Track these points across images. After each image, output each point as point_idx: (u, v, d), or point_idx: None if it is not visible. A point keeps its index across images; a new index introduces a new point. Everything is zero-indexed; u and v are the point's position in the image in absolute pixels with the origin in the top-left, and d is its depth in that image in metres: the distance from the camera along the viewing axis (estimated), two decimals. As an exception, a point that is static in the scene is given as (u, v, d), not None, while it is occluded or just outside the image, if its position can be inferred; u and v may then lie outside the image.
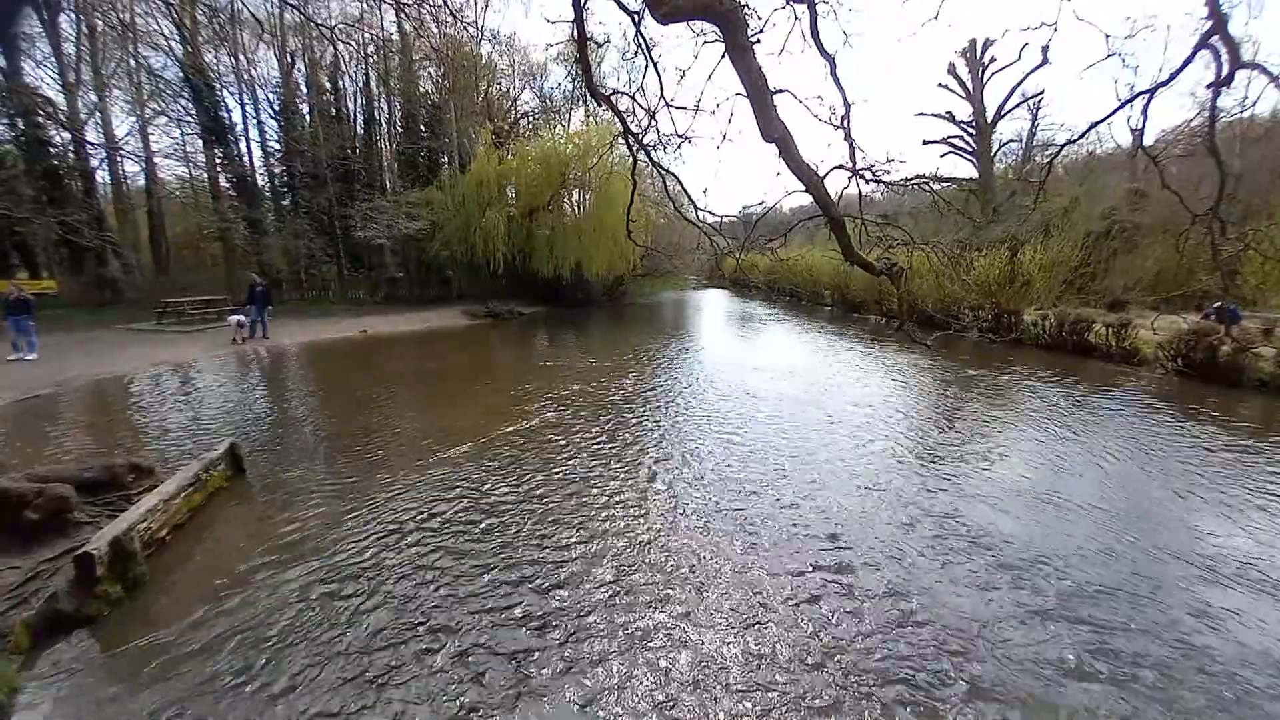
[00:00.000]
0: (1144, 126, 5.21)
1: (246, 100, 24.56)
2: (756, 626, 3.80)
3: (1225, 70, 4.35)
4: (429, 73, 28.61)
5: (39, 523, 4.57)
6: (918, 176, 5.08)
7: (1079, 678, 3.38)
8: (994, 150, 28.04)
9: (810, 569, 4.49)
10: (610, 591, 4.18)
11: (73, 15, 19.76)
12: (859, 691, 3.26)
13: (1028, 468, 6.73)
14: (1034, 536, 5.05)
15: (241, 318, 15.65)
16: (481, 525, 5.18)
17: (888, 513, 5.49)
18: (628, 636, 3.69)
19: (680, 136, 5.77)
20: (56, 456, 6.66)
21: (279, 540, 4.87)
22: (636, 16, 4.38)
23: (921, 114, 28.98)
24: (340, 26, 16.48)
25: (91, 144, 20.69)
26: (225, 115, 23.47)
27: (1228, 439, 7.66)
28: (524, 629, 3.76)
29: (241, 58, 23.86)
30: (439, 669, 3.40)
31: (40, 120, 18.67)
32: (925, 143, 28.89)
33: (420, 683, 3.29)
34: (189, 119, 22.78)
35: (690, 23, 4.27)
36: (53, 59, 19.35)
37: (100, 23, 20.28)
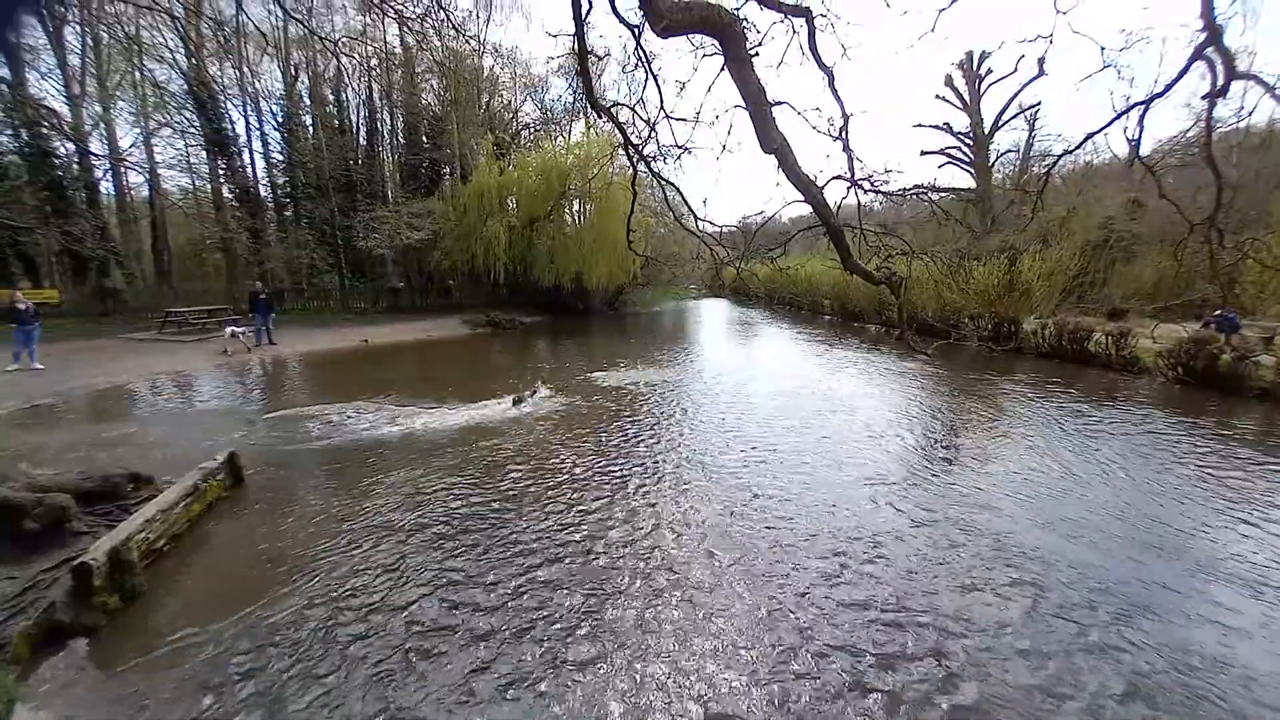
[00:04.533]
0: (1140, 137, 5.21)
1: (250, 112, 24.89)
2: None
3: (1221, 81, 4.39)
4: (431, 85, 28.90)
5: (38, 532, 4.56)
6: (916, 187, 5.11)
7: (1084, 678, 3.36)
8: (992, 161, 28.22)
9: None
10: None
11: (78, 28, 19.99)
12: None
13: (1030, 476, 6.70)
14: (1036, 541, 5.03)
15: (236, 329, 15.68)
16: (480, 536, 5.17)
17: (887, 512, 5.48)
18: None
19: (680, 147, 5.83)
20: (56, 465, 6.64)
21: (278, 551, 4.85)
22: (636, 30, 4.43)
23: (919, 125, 29.29)
24: (343, 40, 16.71)
25: (96, 155, 20.87)
26: (229, 127, 23.75)
27: (1229, 448, 7.64)
28: (523, 641, 3.74)
29: (245, 70, 24.12)
30: (441, 683, 3.38)
31: (45, 131, 18.82)
32: (923, 153, 29.08)
33: (419, 698, 3.27)
34: (193, 130, 23.02)
35: (689, 36, 4.32)
36: (58, 71, 19.60)
37: (105, 35, 20.50)
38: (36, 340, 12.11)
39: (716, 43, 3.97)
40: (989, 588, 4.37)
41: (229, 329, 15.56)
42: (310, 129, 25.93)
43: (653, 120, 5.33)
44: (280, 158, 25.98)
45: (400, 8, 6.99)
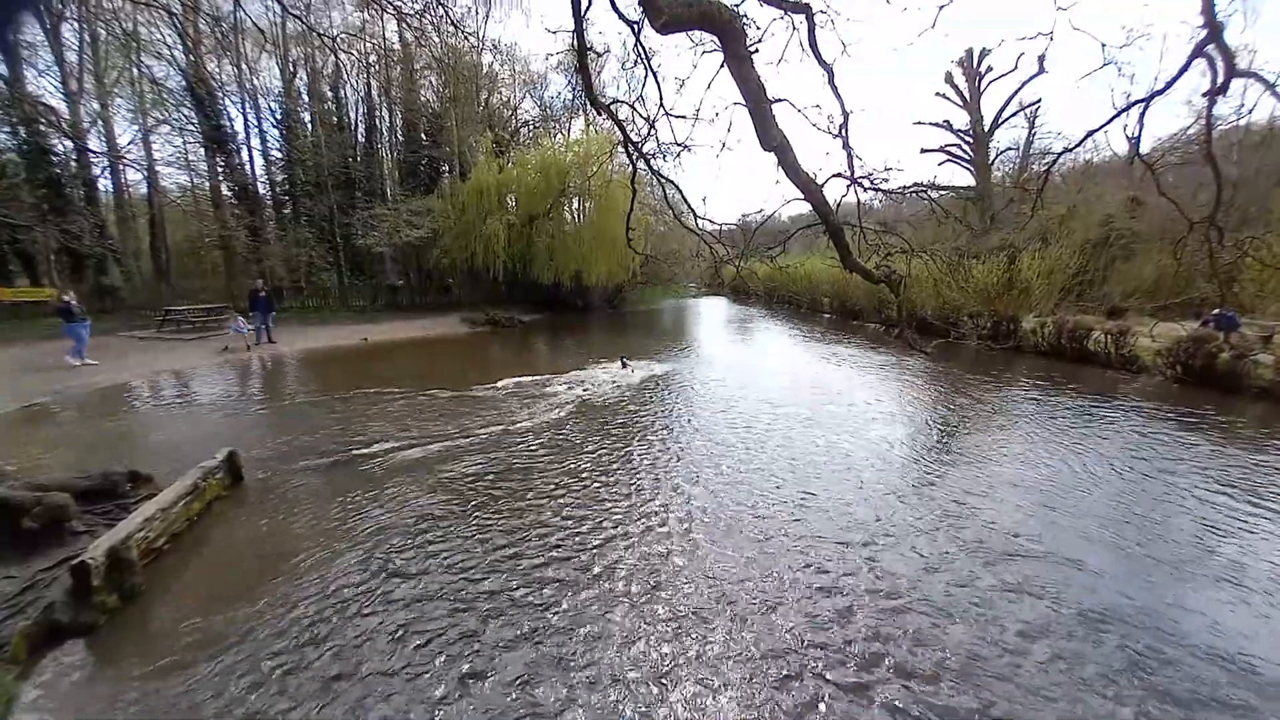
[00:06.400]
0: (1140, 135, 5.17)
1: (248, 109, 24.77)
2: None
3: (1221, 78, 4.37)
4: (430, 82, 28.81)
5: (37, 532, 4.56)
6: (916, 184, 5.09)
7: (1080, 680, 3.37)
8: (991, 158, 28.18)
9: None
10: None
11: (75, 24, 19.88)
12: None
13: (1028, 475, 6.71)
14: (1034, 540, 5.04)
15: (243, 326, 15.85)
16: (475, 539, 5.17)
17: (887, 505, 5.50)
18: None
19: (679, 145, 5.81)
20: (56, 465, 6.64)
21: (276, 549, 4.85)
22: (636, 27, 4.41)
23: (919, 122, 29.27)
24: (342, 36, 16.59)
25: (94, 152, 20.78)
26: (227, 124, 23.66)
27: (1228, 446, 7.65)
28: (513, 650, 3.74)
29: (244, 67, 24.03)
30: (437, 687, 3.38)
31: (42, 128, 18.73)
32: (923, 151, 28.98)
33: (419, 698, 3.27)
34: (191, 127, 22.91)
35: (689, 33, 4.30)
36: (55, 68, 19.47)
37: (103, 32, 20.39)
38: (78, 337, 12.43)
39: (716, 39, 3.95)
40: (960, 564, 4.44)
41: (233, 325, 15.82)
42: (309, 126, 25.83)
43: (652, 117, 5.31)
44: (279, 155, 25.89)
45: (399, 4, 6.96)
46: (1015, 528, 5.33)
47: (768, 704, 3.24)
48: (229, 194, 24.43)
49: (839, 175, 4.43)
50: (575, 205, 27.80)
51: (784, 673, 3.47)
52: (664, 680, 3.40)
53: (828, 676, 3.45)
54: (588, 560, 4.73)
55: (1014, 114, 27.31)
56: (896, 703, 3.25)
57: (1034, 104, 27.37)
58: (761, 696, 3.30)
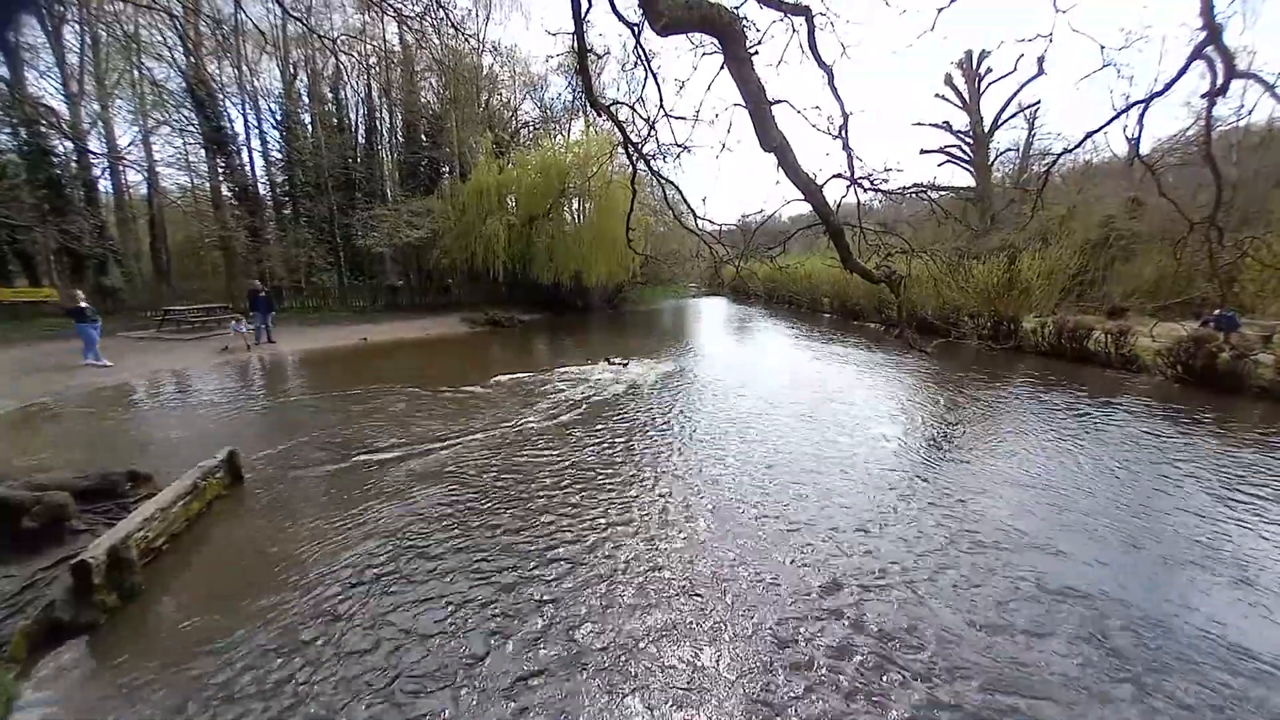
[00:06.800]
0: (1140, 136, 5.21)
1: (249, 110, 24.77)
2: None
3: (1220, 80, 4.39)
4: (430, 83, 28.84)
5: (37, 531, 4.56)
6: (915, 185, 5.12)
7: (1086, 680, 3.37)
8: (991, 159, 28.23)
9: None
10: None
11: (76, 26, 19.92)
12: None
13: (1028, 473, 6.71)
14: (1035, 536, 5.05)
15: (243, 326, 15.93)
16: (477, 533, 5.17)
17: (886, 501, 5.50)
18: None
19: (679, 146, 5.84)
20: (55, 464, 6.63)
21: (277, 548, 4.85)
22: (636, 29, 4.43)
23: (919, 123, 29.32)
24: (342, 38, 16.64)
25: (94, 153, 20.79)
26: (227, 125, 23.65)
27: (1228, 445, 7.65)
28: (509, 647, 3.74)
29: (244, 68, 24.05)
30: (441, 688, 3.38)
31: (43, 129, 18.73)
32: (923, 152, 29.08)
33: (422, 697, 3.27)
34: (191, 129, 22.93)
35: (689, 35, 4.32)
36: (56, 69, 19.50)
37: (104, 34, 20.43)
38: (97, 339, 12.46)
39: (716, 41, 3.96)
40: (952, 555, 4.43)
41: (234, 325, 15.91)
42: (309, 127, 25.85)
43: (652, 119, 5.33)
44: (279, 156, 25.91)
45: (399, 6, 6.97)
46: (1016, 524, 5.35)
47: (763, 689, 3.29)
48: (229, 195, 24.44)
49: (839, 176, 4.45)
50: (575, 206, 27.81)
51: (779, 657, 3.57)
52: (665, 664, 3.46)
53: (823, 662, 3.52)
54: (593, 553, 4.75)
55: (1013, 115, 27.38)
56: (894, 697, 3.26)
57: (1033, 105, 27.47)
58: (758, 683, 3.34)
